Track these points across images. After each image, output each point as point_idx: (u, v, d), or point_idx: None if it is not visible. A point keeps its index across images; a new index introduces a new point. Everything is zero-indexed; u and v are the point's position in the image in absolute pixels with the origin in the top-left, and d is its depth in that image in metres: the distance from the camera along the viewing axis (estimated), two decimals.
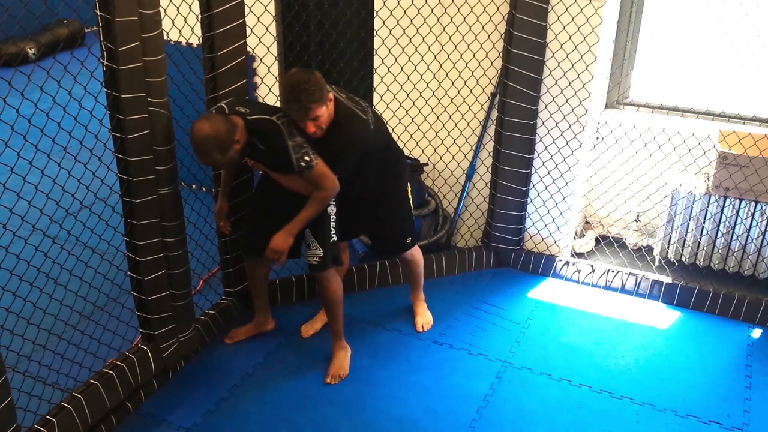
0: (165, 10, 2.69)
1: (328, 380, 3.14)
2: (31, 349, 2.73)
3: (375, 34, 3.78)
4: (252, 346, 3.38)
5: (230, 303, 3.50)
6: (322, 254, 3.04)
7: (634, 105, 4.04)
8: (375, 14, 3.74)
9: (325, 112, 2.75)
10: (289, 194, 2.94)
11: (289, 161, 2.73)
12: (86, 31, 7.86)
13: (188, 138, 2.66)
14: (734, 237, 3.71)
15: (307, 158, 2.74)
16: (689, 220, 3.76)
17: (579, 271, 3.93)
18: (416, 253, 3.47)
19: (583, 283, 3.93)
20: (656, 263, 3.94)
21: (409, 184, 3.33)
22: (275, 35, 3.75)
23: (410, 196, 3.35)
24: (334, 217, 3.06)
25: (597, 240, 4.17)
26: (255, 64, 4.02)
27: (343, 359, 3.22)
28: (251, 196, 3.19)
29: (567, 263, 3.96)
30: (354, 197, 3.08)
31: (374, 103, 3.93)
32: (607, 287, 3.87)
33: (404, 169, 3.28)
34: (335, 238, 3.09)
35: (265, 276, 3.38)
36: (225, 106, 2.79)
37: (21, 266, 2.52)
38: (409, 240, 3.37)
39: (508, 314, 3.67)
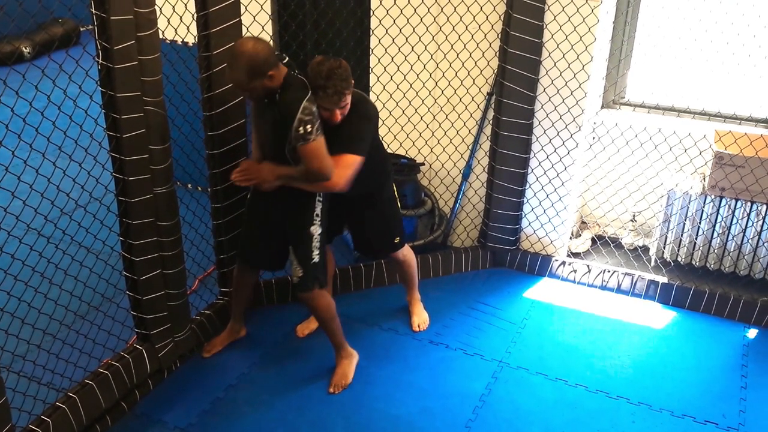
0: (161, 8, 2.68)
1: (331, 390, 3.09)
2: (25, 348, 2.72)
3: (371, 33, 3.77)
4: (247, 346, 3.38)
5: (226, 303, 3.48)
6: (301, 274, 2.93)
7: (630, 105, 4.04)
8: (371, 13, 3.73)
9: (350, 100, 2.77)
10: (286, 202, 2.88)
11: (291, 119, 2.57)
12: (81, 29, 7.83)
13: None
14: (730, 237, 3.72)
15: (309, 127, 2.57)
16: (685, 220, 3.76)
17: (575, 271, 3.93)
18: (407, 253, 3.43)
19: (579, 283, 3.93)
20: (652, 263, 3.95)
21: (394, 184, 3.32)
22: (271, 34, 3.75)
23: (396, 195, 3.33)
24: (318, 237, 2.92)
25: (593, 240, 4.17)
26: None
27: (347, 368, 3.17)
28: (247, 203, 3.10)
29: (563, 263, 3.96)
30: (341, 195, 3.06)
31: None
32: (603, 287, 3.88)
33: (390, 168, 3.28)
34: (317, 260, 2.93)
35: (252, 285, 3.35)
36: (288, 59, 2.72)
37: (15, 266, 2.50)
38: (397, 240, 3.32)
39: (505, 314, 3.67)
